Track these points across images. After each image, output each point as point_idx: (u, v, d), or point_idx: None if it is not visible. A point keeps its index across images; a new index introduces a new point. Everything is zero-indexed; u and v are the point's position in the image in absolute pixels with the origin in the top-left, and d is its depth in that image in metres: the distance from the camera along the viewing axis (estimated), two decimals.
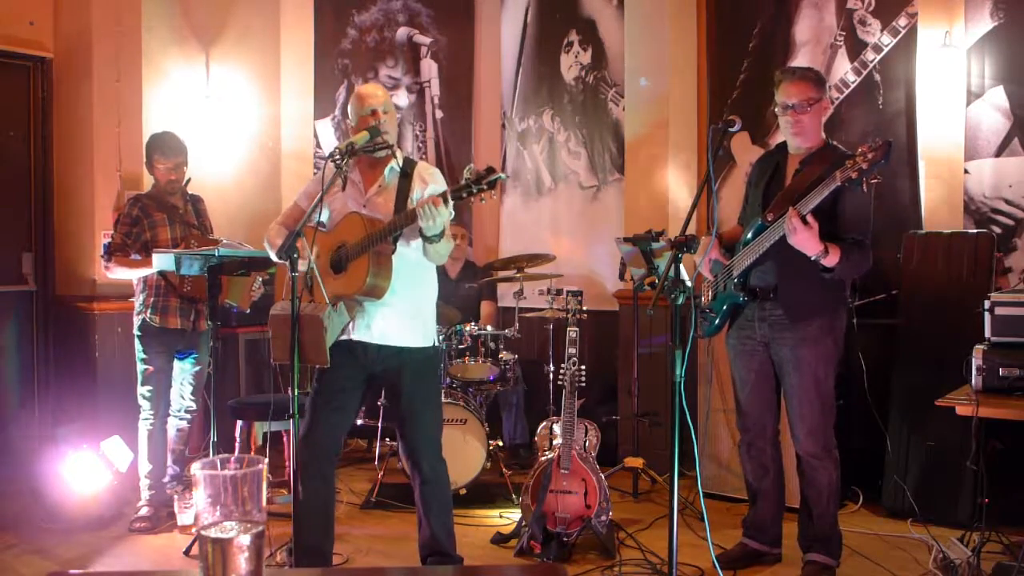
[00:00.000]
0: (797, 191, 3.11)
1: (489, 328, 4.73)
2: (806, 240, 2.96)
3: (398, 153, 3.13)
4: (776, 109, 3.26)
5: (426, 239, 2.88)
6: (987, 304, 3.15)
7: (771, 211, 3.15)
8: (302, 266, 2.87)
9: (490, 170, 2.69)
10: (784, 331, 3.21)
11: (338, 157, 2.87)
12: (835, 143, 3.31)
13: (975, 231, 4.13)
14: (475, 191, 2.68)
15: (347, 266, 2.99)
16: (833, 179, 2.91)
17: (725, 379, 4.30)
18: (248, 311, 4.14)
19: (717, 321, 3.39)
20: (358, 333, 3.05)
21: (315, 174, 6.07)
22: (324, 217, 3.17)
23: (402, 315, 3.06)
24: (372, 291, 2.94)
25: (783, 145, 3.35)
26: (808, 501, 3.30)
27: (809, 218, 2.97)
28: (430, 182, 3.09)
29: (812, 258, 3.00)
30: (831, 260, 3.00)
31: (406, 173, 3.09)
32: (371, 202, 3.09)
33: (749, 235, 3.23)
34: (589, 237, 5.60)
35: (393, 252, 2.96)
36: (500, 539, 3.82)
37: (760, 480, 3.43)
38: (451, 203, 2.75)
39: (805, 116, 3.18)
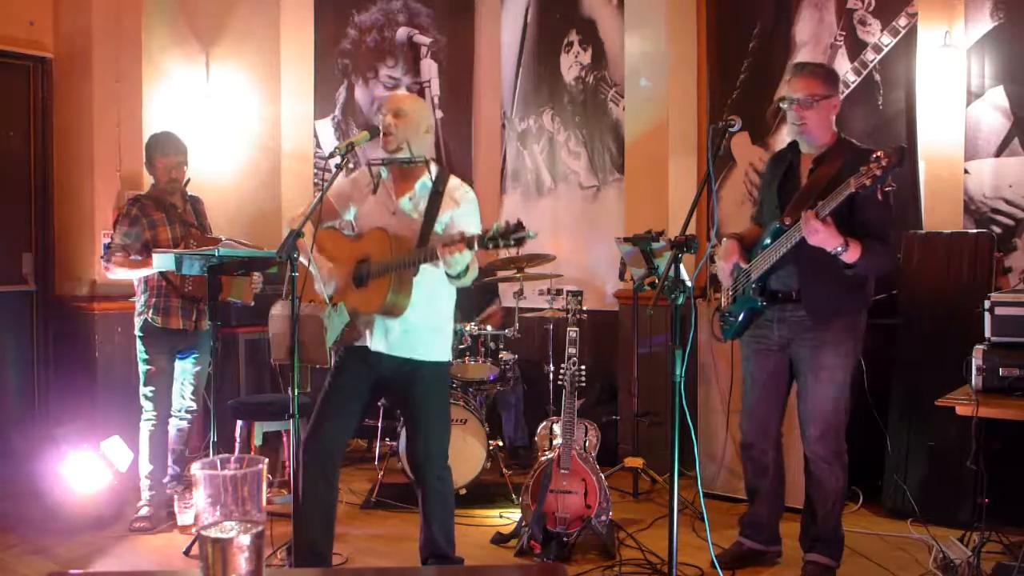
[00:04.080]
0: (813, 191, 3.07)
1: (489, 328, 4.73)
2: (826, 239, 2.93)
3: (432, 166, 3.11)
4: (783, 104, 3.21)
5: (449, 276, 2.91)
6: (987, 304, 3.14)
7: (788, 214, 3.10)
8: (304, 264, 2.87)
9: (519, 226, 2.65)
10: (804, 332, 3.17)
11: (338, 157, 2.87)
12: (850, 139, 3.26)
13: (975, 231, 4.13)
14: (500, 244, 2.66)
15: (368, 283, 2.99)
16: (847, 185, 2.86)
17: (725, 379, 4.30)
18: (252, 303, 4.12)
19: (735, 327, 3.34)
20: (375, 343, 3.05)
21: (315, 174, 6.10)
22: (351, 216, 3.18)
23: (420, 328, 3.06)
24: (391, 310, 2.95)
25: (795, 144, 3.31)
26: (813, 503, 3.29)
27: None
28: (461, 203, 3.07)
29: (832, 253, 2.96)
30: (852, 255, 2.95)
31: (438, 190, 3.07)
32: (400, 213, 3.08)
33: (768, 240, 3.17)
34: (589, 237, 5.60)
35: (415, 275, 2.96)
36: (500, 539, 3.82)
37: (759, 481, 3.42)
38: (475, 248, 2.72)
39: (810, 112, 3.13)
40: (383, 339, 3.05)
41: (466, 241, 2.69)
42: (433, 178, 3.09)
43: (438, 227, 3.03)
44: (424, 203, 3.06)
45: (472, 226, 3.04)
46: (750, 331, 3.34)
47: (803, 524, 3.37)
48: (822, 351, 3.15)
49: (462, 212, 3.06)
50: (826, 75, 3.19)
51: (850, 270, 3.02)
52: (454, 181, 3.15)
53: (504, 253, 4.96)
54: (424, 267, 2.96)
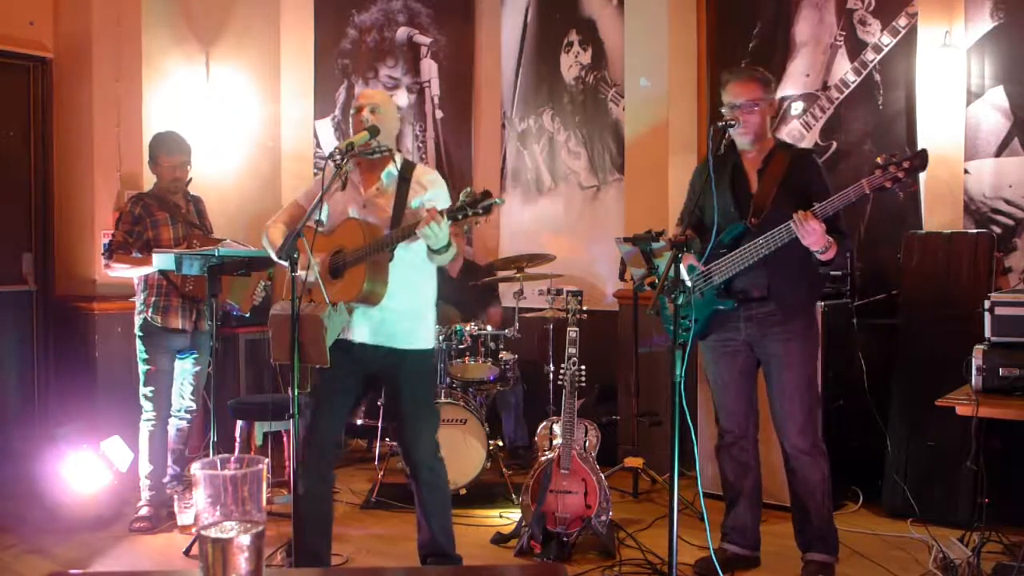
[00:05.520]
0: (771, 191, 3.15)
1: (489, 328, 4.73)
2: (819, 238, 2.97)
3: (397, 156, 3.14)
4: (723, 109, 3.27)
5: (432, 251, 2.91)
6: (987, 304, 3.15)
7: (754, 215, 3.15)
8: (304, 270, 2.86)
9: (486, 194, 2.70)
10: (773, 328, 3.20)
11: (338, 157, 2.88)
12: (786, 140, 3.37)
13: (975, 231, 4.13)
14: (470, 213, 2.70)
15: (344, 273, 3.01)
16: (860, 187, 2.89)
17: None
18: (247, 315, 4.14)
19: (696, 329, 3.31)
20: (356, 334, 3.06)
21: (315, 174, 6.10)
22: (323, 216, 3.18)
23: (401, 317, 3.07)
24: (368, 298, 2.96)
25: (731, 146, 3.34)
26: (801, 499, 3.28)
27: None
28: (429, 188, 3.09)
29: (816, 251, 3.00)
30: (831, 253, 3.03)
31: (404, 177, 3.10)
32: (370, 203, 3.09)
33: (726, 240, 3.19)
34: (589, 237, 5.60)
35: (391, 260, 2.97)
36: (500, 539, 3.82)
37: (742, 481, 3.41)
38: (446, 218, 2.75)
39: (752, 116, 3.20)
40: (364, 328, 3.06)
41: (441, 212, 2.73)
42: (399, 167, 3.12)
43: (408, 210, 3.05)
44: (392, 192, 3.09)
45: (443, 205, 3.06)
46: (712, 335, 3.33)
47: (796, 523, 3.35)
48: (792, 345, 3.19)
49: (431, 196, 3.07)
50: (762, 79, 3.28)
51: (824, 267, 3.13)
52: (420, 168, 3.17)
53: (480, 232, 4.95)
54: (400, 253, 2.97)
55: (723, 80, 3.30)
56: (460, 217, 2.71)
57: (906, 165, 2.82)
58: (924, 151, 2.86)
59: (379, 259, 2.95)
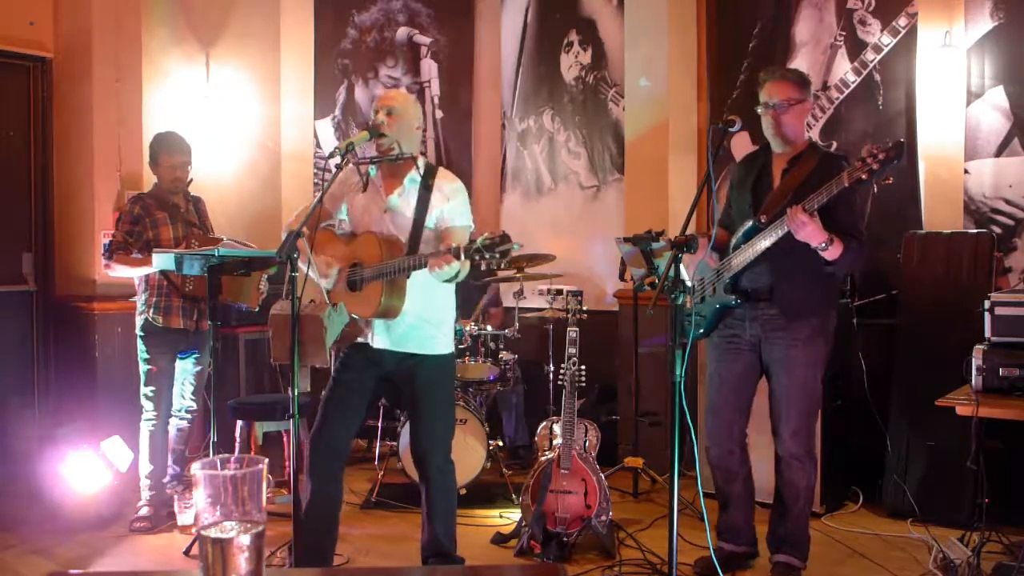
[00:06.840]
0: (788, 191, 3.12)
1: (489, 328, 4.73)
2: (812, 232, 2.94)
3: (420, 161, 3.12)
4: (759, 109, 3.26)
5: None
6: (987, 304, 3.15)
7: (764, 212, 3.13)
8: (303, 269, 2.86)
9: (504, 238, 2.64)
10: (777, 330, 3.19)
11: (338, 157, 2.87)
12: (819, 143, 3.34)
13: (975, 231, 4.13)
14: (486, 256, 2.64)
15: (362, 287, 3.01)
16: (840, 180, 2.87)
17: None
18: (256, 310, 4.13)
19: (704, 326, 3.33)
20: (378, 340, 3.07)
21: (315, 174, 6.10)
22: (344, 215, 3.19)
23: (420, 322, 3.07)
24: (386, 312, 2.97)
25: (767, 146, 3.34)
26: (785, 502, 3.28)
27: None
28: (451, 198, 3.08)
29: (816, 247, 2.97)
30: (834, 252, 2.99)
31: (427, 185, 3.08)
32: (391, 210, 3.08)
33: (740, 237, 3.19)
34: (589, 237, 5.60)
35: (408, 277, 2.96)
36: (500, 539, 3.82)
37: (730, 486, 3.39)
38: (461, 259, 2.71)
39: (786, 116, 3.19)
40: (385, 336, 3.07)
41: (453, 253, 2.70)
42: (421, 173, 3.10)
43: (429, 223, 3.05)
44: (414, 199, 3.07)
45: (462, 219, 3.09)
46: (719, 331, 3.34)
47: (772, 523, 3.35)
48: (795, 349, 3.17)
49: (452, 207, 3.08)
50: (799, 80, 3.25)
51: (830, 267, 3.07)
52: (442, 174, 3.15)
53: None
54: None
55: (760, 79, 3.28)
56: (476, 259, 2.66)
57: (881, 156, 2.78)
58: (900, 143, 2.82)
59: (396, 278, 2.95)
